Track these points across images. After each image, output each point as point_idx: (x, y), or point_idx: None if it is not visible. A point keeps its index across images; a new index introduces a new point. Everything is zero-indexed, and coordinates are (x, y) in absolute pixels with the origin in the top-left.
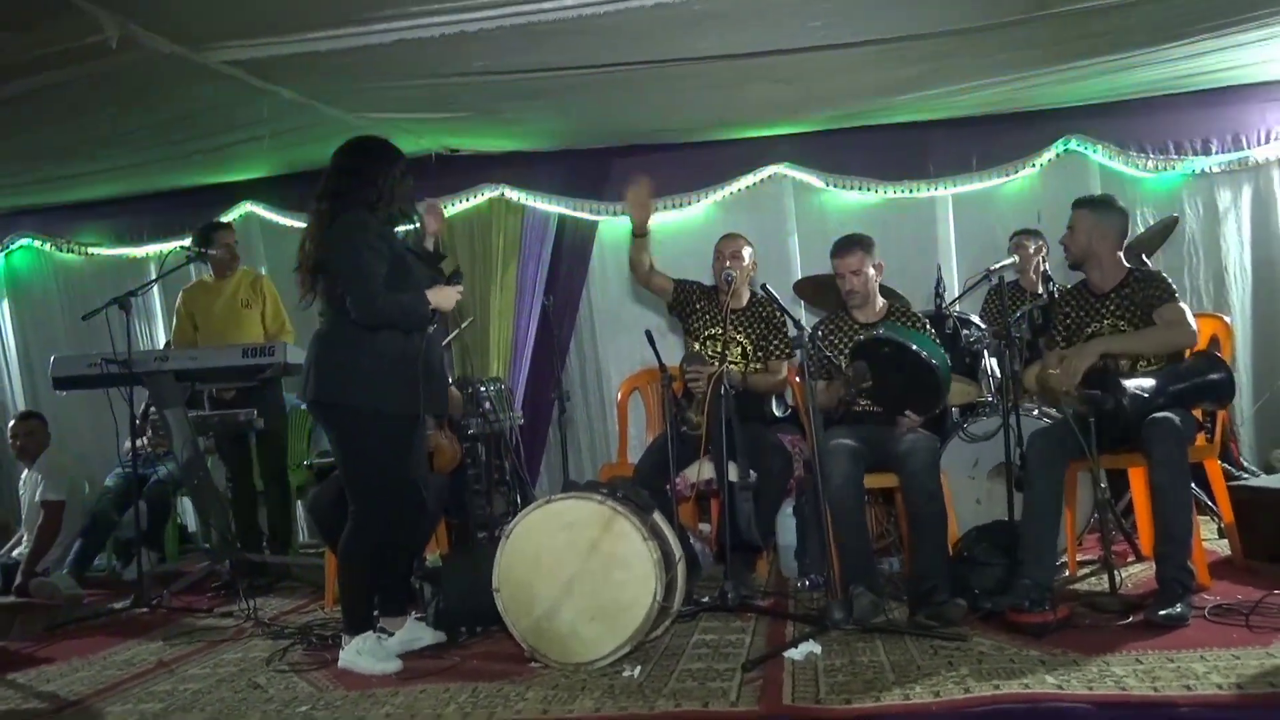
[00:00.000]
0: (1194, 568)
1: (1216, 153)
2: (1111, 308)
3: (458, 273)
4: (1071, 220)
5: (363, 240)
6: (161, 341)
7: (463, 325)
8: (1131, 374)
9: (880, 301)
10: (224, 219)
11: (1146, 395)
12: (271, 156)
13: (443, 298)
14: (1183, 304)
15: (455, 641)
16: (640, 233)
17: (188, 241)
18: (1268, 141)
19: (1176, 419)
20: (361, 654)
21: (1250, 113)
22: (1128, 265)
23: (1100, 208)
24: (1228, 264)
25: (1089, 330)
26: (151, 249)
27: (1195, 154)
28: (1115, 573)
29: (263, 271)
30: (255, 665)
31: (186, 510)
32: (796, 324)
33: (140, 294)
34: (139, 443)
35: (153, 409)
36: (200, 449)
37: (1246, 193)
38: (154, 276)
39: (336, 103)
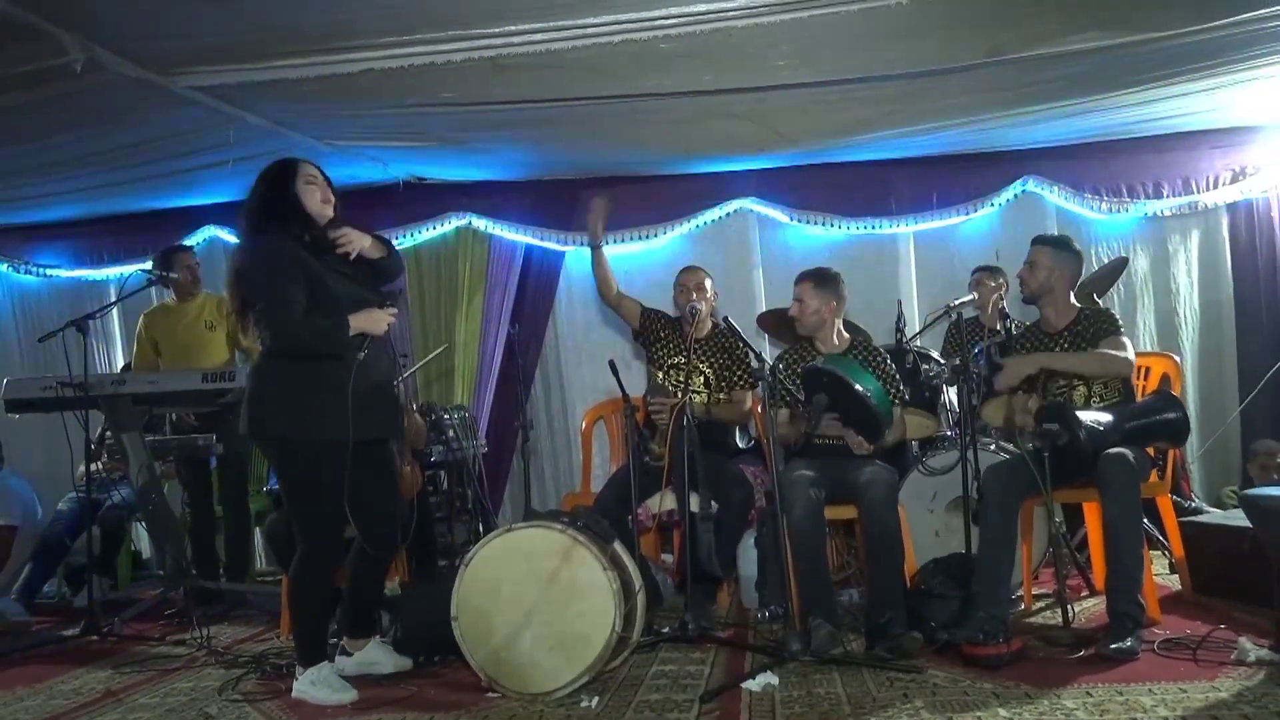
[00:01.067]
0: (1144, 601)
1: (1167, 196)
2: (1064, 345)
3: (394, 295)
4: (1031, 256)
5: (275, 264)
6: (120, 365)
7: (436, 352)
8: (1087, 409)
9: (844, 335)
10: (186, 242)
11: (1102, 430)
12: (237, 181)
13: (369, 321)
14: (1124, 338)
15: (413, 670)
16: (595, 243)
17: (149, 265)
18: (1216, 186)
19: (1130, 455)
20: (316, 684)
21: (1200, 158)
22: (1078, 305)
23: (1060, 247)
24: (1177, 305)
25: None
26: (111, 271)
27: (1147, 197)
28: (1069, 606)
29: (225, 295)
30: (207, 695)
31: (141, 536)
32: (758, 356)
33: (98, 317)
34: (94, 467)
35: (109, 433)
36: (157, 474)
37: (1195, 236)
38: (113, 299)
39: (304, 130)
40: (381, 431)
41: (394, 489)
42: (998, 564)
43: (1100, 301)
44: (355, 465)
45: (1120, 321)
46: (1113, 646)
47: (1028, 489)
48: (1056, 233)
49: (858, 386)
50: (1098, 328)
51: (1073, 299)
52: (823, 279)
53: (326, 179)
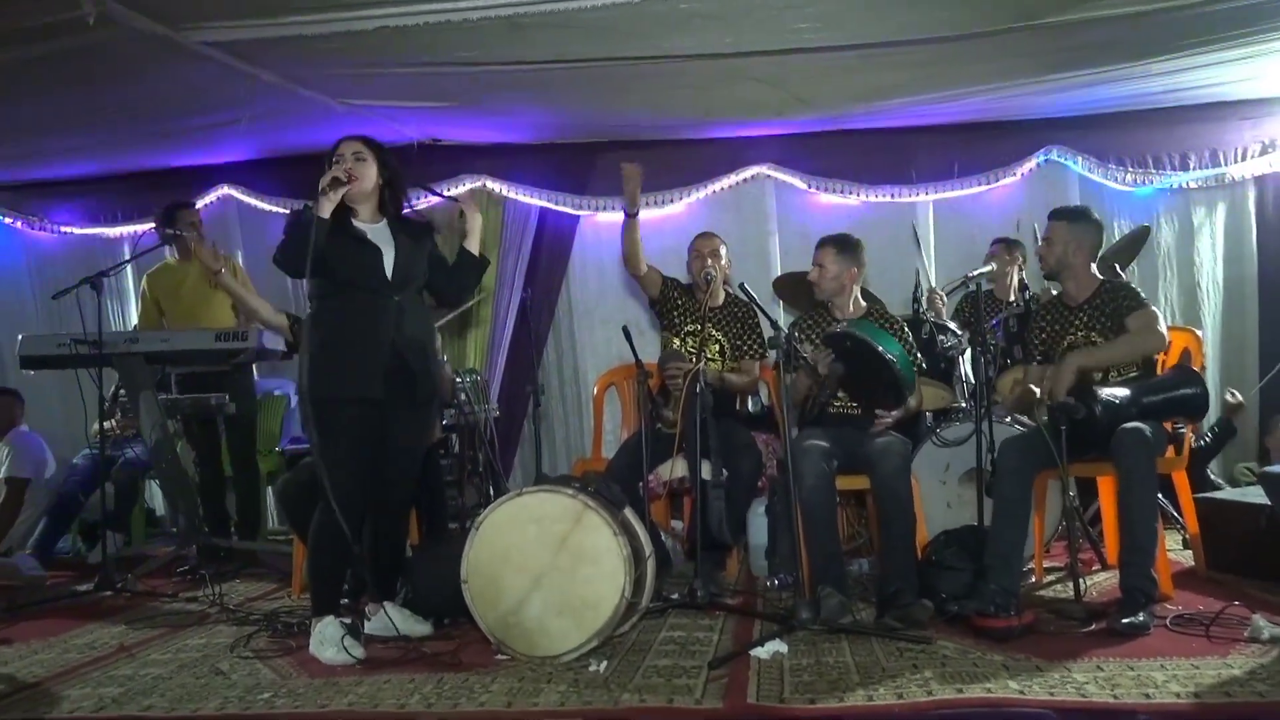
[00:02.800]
0: (1157, 577)
1: (1194, 168)
2: (1085, 319)
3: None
4: (1048, 231)
5: (286, 226)
6: (133, 323)
7: (471, 302)
8: (1105, 383)
9: (861, 303)
10: (200, 202)
11: (1119, 404)
12: (251, 140)
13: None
14: (1153, 309)
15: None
16: (632, 212)
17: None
18: (1244, 159)
19: (1147, 430)
20: (322, 643)
21: (1228, 130)
22: (1100, 277)
23: (1076, 219)
24: (1200, 279)
25: (1065, 342)
26: (126, 229)
27: (1173, 169)
28: (1080, 580)
29: (238, 256)
30: (219, 651)
31: (155, 494)
32: (773, 322)
33: (113, 274)
34: (108, 425)
35: (122, 391)
36: (169, 432)
37: (1221, 209)
38: (127, 257)
39: (318, 87)
40: (370, 391)
41: (403, 456)
42: (1010, 537)
43: (1124, 274)
44: (348, 424)
45: (1143, 294)
46: (1124, 621)
47: (1043, 462)
48: (1078, 204)
49: (882, 349)
50: (1119, 302)
51: (1094, 270)
52: (845, 245)
53: (371, 146)
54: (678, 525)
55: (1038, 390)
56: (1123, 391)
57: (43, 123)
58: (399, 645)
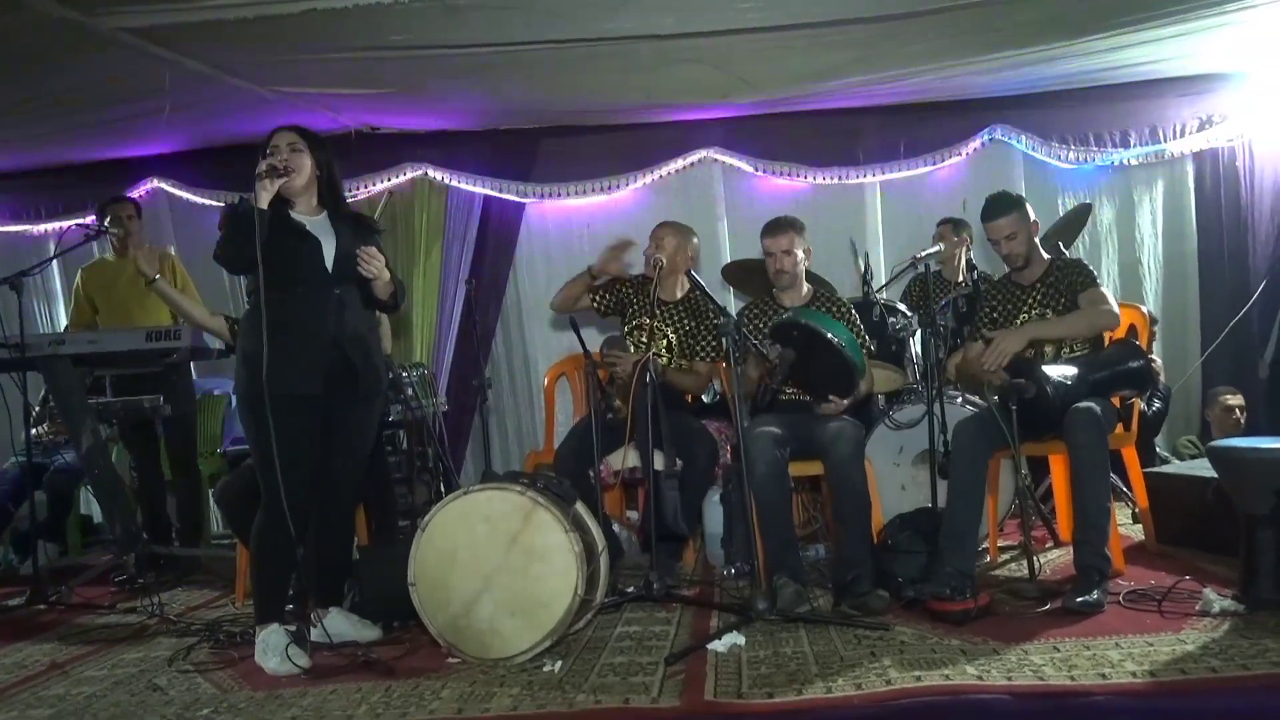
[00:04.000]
0: (1110, 554)
1: (1134, 145)
2: (1039, 297)
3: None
4: (1006, 228)
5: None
6: (62, 325)
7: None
8: (1054, 362)
9: (805, 287)
10: (131, 195)
11: (1069, 384)
12: (179, 130)
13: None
14: (1104, 289)
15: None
16: (596, 276)
17: (88, 220)
18: (1183, 135)
19: (1097, 408)
20: (265, 652)
21: (1168, 106)
22: (1048, 255)
23: (1014, 206)
24: (1141, 255)
25: (1018, 321)
26: (51, 225)
27: (1114, 146)
28: (1035, 559)
29: (170, 250)
30: (156, 665)
31: (92, 501)
32: (721, 310)
33: (34, 274)
34: (40, 430)
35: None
36: (102, 437)
37: (1160, 186)
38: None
39: (245, 75)
40: (309, 387)
41: (346, 453)
42: (965, 519)
43: (1066, 252)
44: (288, 421)
45: (1095, 271)
46: (1079, 600)
47: (996, 442)
48: (999, 193)
49: (830, 335)
50: (1073, 280)
51: (1041, 249)
52: (801, 227)
53: (305, 136)
54: (633, 515)
55: (978, 357)
56: (1071, 370)
57: None
58: (346, 652)
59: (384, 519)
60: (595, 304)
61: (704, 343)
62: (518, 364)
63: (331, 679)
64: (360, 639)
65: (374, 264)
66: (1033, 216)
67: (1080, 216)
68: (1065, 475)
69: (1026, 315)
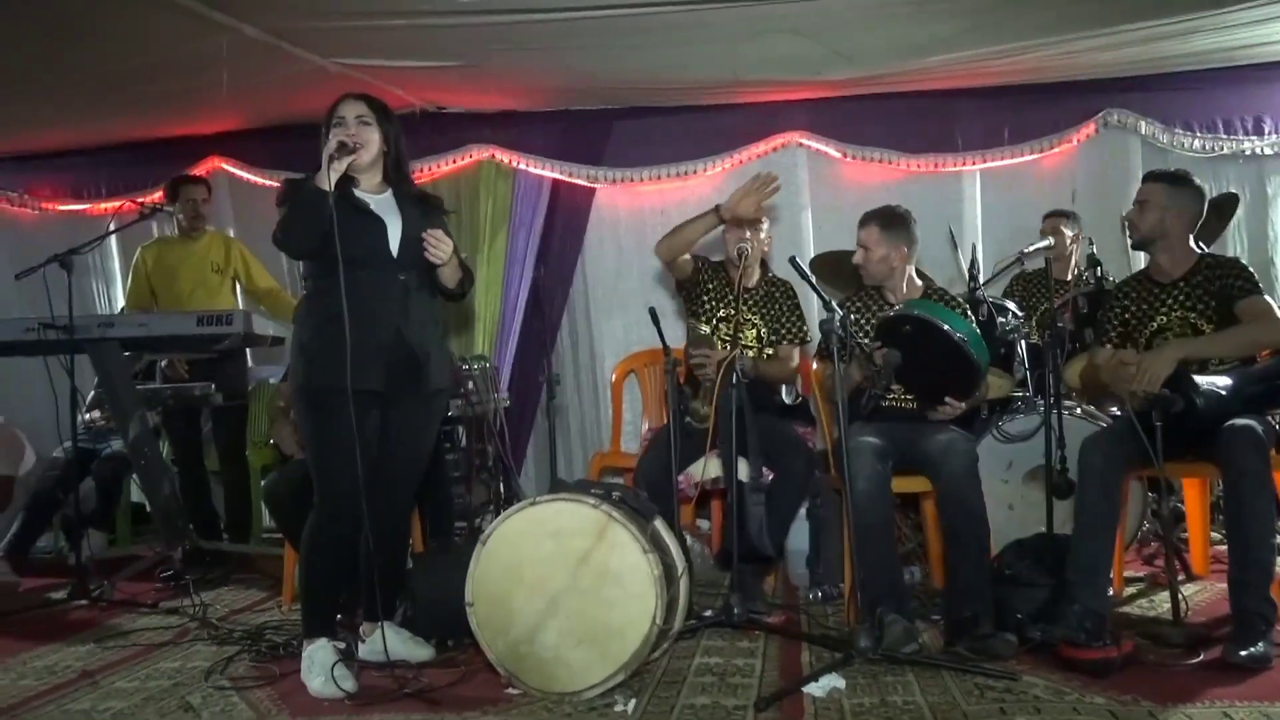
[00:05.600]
0: (1275, 599)
1: (1269, 133)
2: (1180, 298)
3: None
4: (1142, 194)
5: (282, 198)
6: (120, 306)
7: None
8: (1203, 372)
9: (917, 283)
10: (201, 175)
11: (1223, 395)
12: (240, 107)
13: (324, 162)
14: (1269, 297)
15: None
16: (724, 218)
17: (148, 198)
18: None
19: (1259, 428)
20: (309, 670)
21: None
22: (1199, 250)
23: (1177, 183)
24: (1275, 255)
25: (1154, 324)
26: (112, 205)
27: (1245, 134)
28: (1182, 599)
29: (229, 232)
30: (192, 679)
31: None
32: (828, 304)
33: (86, 252)
34: (92, 415)
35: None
36: (149, 425)
37: None
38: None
39: (307, 44)
40: (370, 381)
41: (405, 454)
42: (1097, 549)
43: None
44: (345, 418)
45: (1255, 275)
46: (1243, 653)
47: (1130, 462)
48: (1177, 169)
49: (948, 328)
50: (1226, 282)
51: (1193, 243)
52: (890, 220)
53: (374, 108)
54: (704, 525)
55: (1122, 375)
56: (1224, 380)
57: (11, 87)
58: (396, 673)
59: (440, 521)
60: (692, 269)
61: (789, 326)
62: (584, 358)
63: (378, 707)
64: (412, 658)
65: (441, 247)
66: (1193, 211)
67: (1225, 209)
68: (1201, 500)
69: (1164, 318)
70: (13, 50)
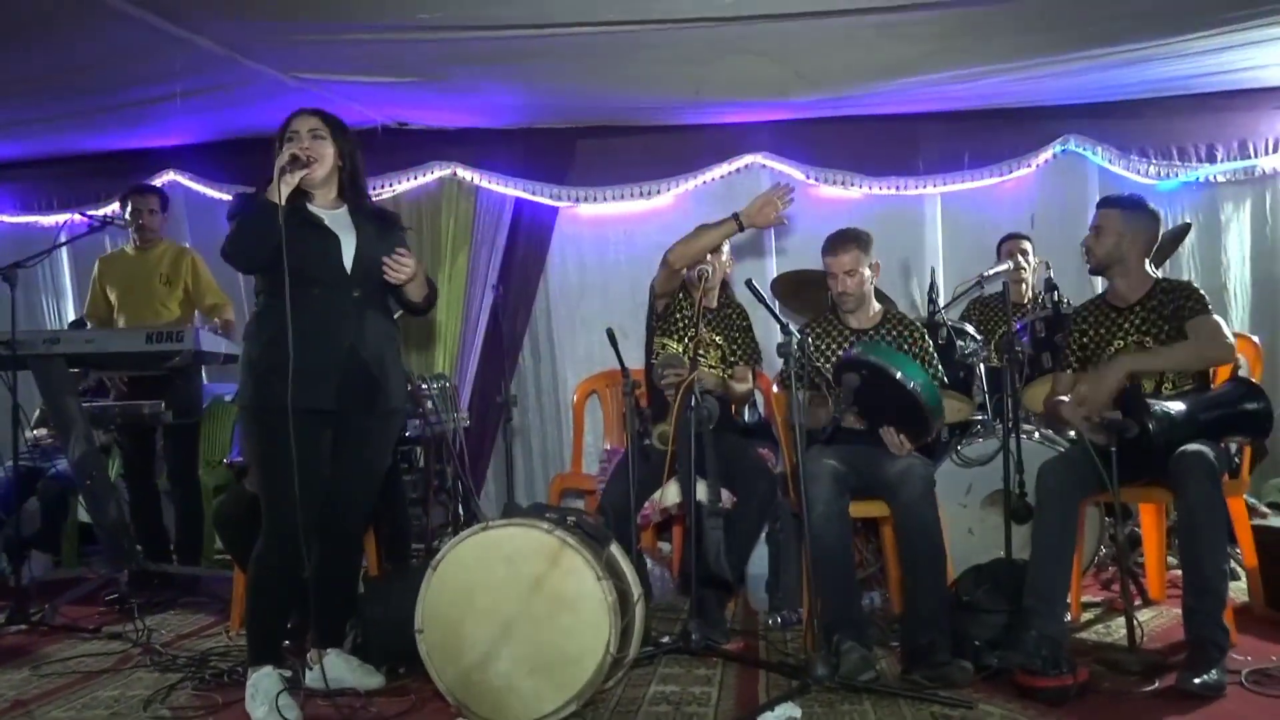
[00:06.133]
0: (1229, 626)
1: (1221, 160)
2: (1136, 322)
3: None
4: (1098, 220)
5: (232, 213)
6: (70, 321)
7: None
8: (1156, 396)
9: (875, 306)
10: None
11: (1175, 419)
12: (197, 120)
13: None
14: (1217, 317)
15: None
16: (744, 227)
17: (103, 210)
18: (1276, 150)
19: (1210, 453)
20: (255, 699)
21: (1260, 119)
22: (1155, 275)
23: (1131, 208)
24: (1228, 280)
25: (1111, 348)
26: (63, 217)
27: (1199, 161)
28: (1137, 625)
29: (187, 245)
30: (131, 709)
31: None
32: (785, 327)
33: (30, 265)
34: (38, 433)
35: None
36: (95, 444)
37: (1249, 205)
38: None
39: (264, 59)
40: (321, 400)
41: (358, 475)
42: (1053, 574)
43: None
44: (296, 438)
45: (1206, 296)
46: (1197, 681)
47: (1088, 486)
48: (1130, 193)
49: (901, 378)
50: (1180, 304)
51: (1149, 268)
52: (866, 242)
53: (328, 122)
54: (665, 547)
55: (1070, 397)
56: (1177, 406)
57: None
58: (343, 702)
59: (396, 544)
60: (679, 283)
61: (744, 346)
62: (545, 378)
63: None
64: (360, 687)
65: (401, 269)
66: (1148, 235)
67: (1177, 236)
68: (1157, 525)
69: (1122, 341)
70: None
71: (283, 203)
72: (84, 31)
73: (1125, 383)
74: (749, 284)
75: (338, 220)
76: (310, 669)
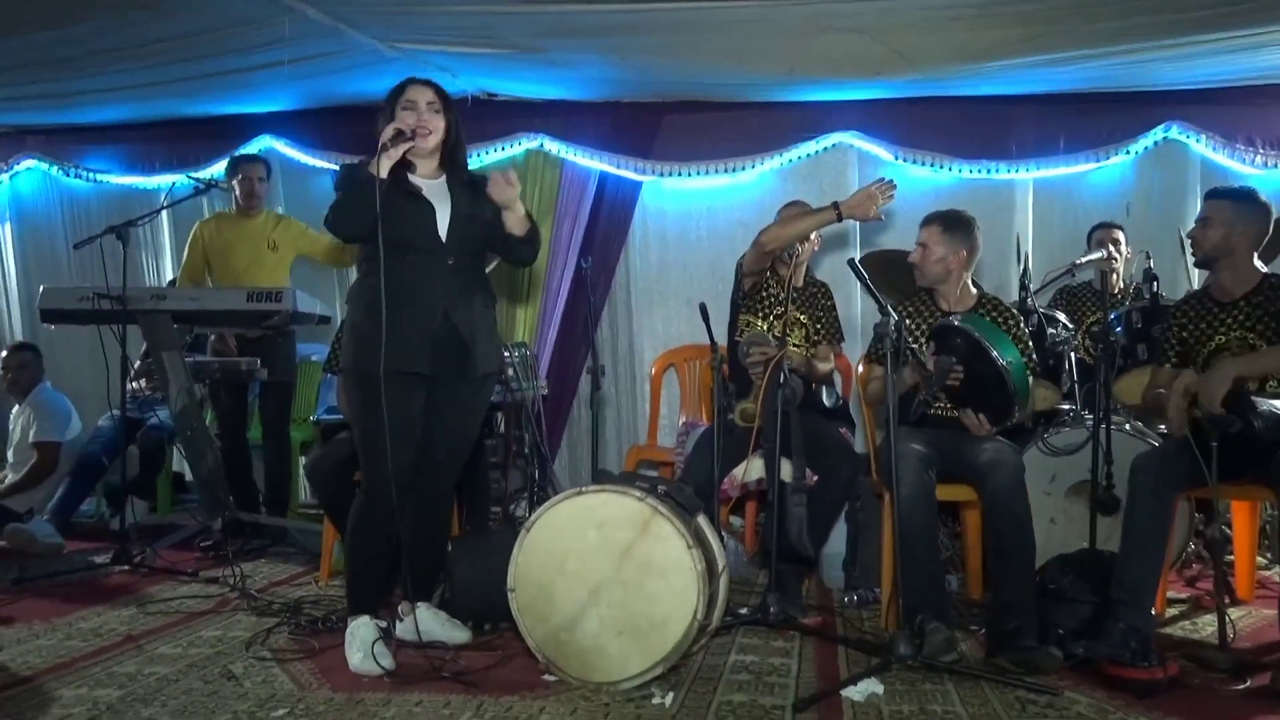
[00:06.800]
0: None
1: None
2: (1240, 317)
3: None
4: (1206, 211)
5: (339, 182)
6: (168, 280)
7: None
8: (1260, 393)
9: (972, 291)
10: (241, 152)
11: None
12: (295, 88)
13: (381, 148)
14: None
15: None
16: (842, 218)
17: (204, 173)
18: None
19: None
20: (352, 644)
21: None
22: (1263, 270)
23: (1242, 200)
24: None
25: (1212, 344)
26: (164, 179)
27: None
28: (1229, 623)
29: (277, 210)
30: (234, 648)
31: (184, 459)
32: (883, 307)
33: (142, 224)
34: (137, 385)
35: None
36: (196, 397)
37: None
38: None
39: (367, 28)
40: (416, 364)
41: (451, 438)
42: (1144, 568)
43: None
44: (393, 401)
45: None
46: None
47: (1183, 482)
48: (1243, 185)
49: (996, 354)
50: None
51: (1257, 263)
52: (953, 223)
53: (440, 95)
54: (736, 522)
55: (1181, 398)
56: None
57: (71, 57)
58: (433, 654)
59: (477, 505)
60: (770, 262)
61: (828, 326)
62: (622, 351)
63: (416, 686)
64: (449, 641)
65: (508, 189)
66: (1258, 229)
67: None
68: (1249, 523)
69: (1223, 337)
70: (77, 22)
71: (383, 176)
72: (200, 1)
73: (1232, 384)
74: (851, 263)
75: (435, 190)
76: (401, 621)
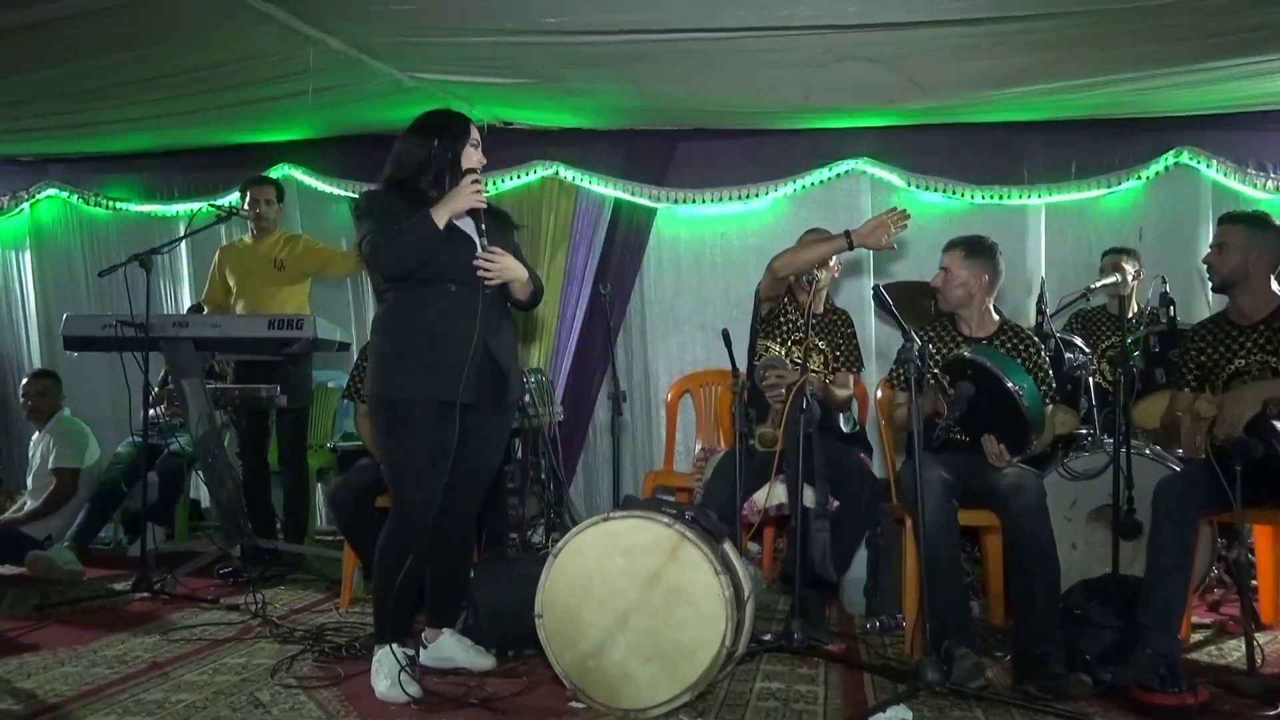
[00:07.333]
0: None
1: None
2: (1260, 341)
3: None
4: (1221, 236)
5: (371, 209)
6: (187, 306)
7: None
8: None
9: (993, 317)
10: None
11: None
12: (314, 117)
13: (455, 200)
14: None
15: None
16: (853, 246)
17: (222, 200)
18: None
19: None
20: (379, 672)
21: None
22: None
23: (1256, 225)
24: None
25: (1231, 367)
26: (183, 208)
27: None
28: (1258, 647)
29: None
30: (259, 676)
31: (201, 486)
32: (907, 333)
33: (164, 252)
34: (155, 411)
35: (170, 377)
36: (217, 424)
37: None
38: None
39: (387, 58)
40: (461, 394)
41: (479, 465)
42: (1169, 593)
43: None
44: (428, 429)
45: None
46: None
47: (1207, 506)
48: (1256, 209)
49: (1009, 383)
50: None
51: (1275, 286)
52: (975, 249)
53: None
54: (754, 548)
55: (1201, 420)
56: None
57: (98, 88)
58: (458, 680)
59: (496, 531)
60: (785, 288)
61: (847, 353)
62: (638, 377)
63: (443, 713)
64: (473, 667)
65: (493, 269)
66: (1274, 252)
67: None
68: (1273, 548)
69: (1243, 361)
70: (107, 54)
71: (441, 227)
72: (228, 31)
73: (1262, 407)
74: (876, 290)
75: (468, 224)
76: (425, 648)
